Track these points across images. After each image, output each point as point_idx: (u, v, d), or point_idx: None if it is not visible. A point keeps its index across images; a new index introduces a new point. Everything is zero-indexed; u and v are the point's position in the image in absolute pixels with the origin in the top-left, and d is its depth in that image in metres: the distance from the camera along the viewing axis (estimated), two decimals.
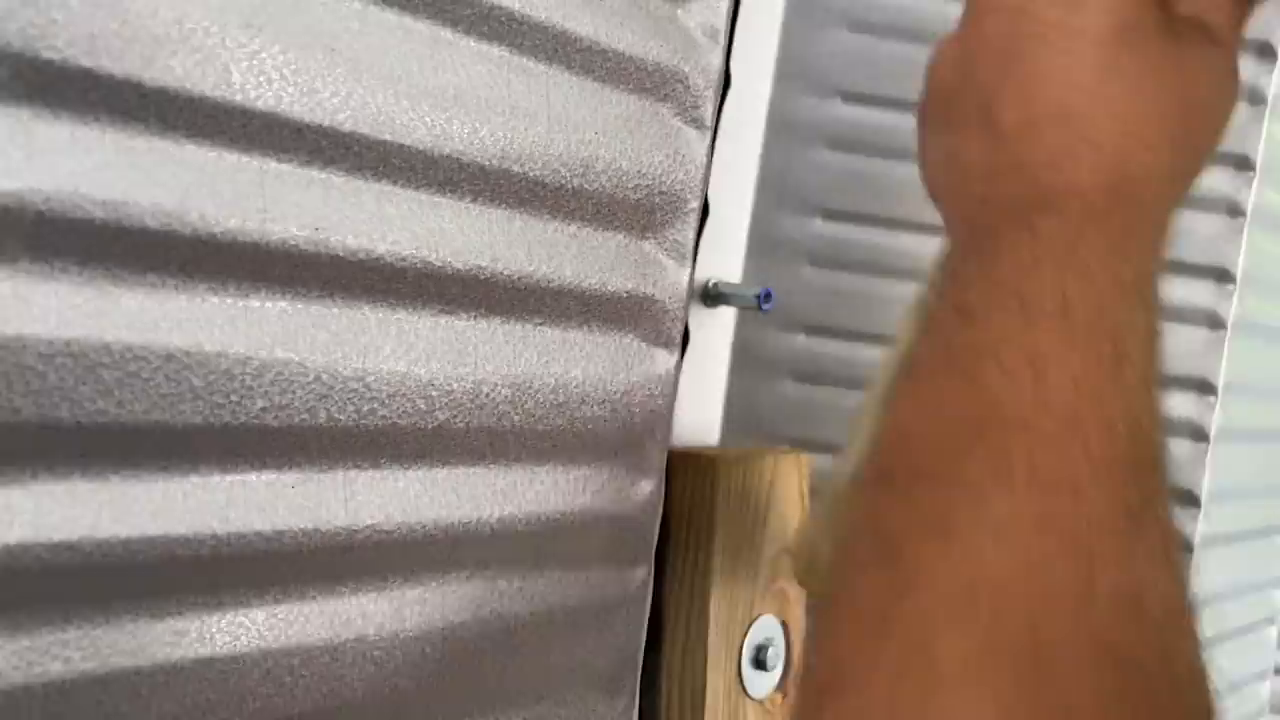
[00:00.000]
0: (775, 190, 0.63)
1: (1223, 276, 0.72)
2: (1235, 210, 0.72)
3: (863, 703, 0.26)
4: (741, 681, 0.56)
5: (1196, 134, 0.34)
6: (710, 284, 0.58)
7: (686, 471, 0.54)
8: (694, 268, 0.46)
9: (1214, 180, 0.71)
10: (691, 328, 0.51)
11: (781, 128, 0.63)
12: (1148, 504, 0.28)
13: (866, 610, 0.28)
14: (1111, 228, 0.31)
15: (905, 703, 0.25)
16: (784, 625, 0.57)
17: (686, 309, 0.46)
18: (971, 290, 0.31)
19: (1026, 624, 0.25)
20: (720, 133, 0.49)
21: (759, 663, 0.56)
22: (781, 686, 0.57)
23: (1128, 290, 0.31)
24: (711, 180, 0.48)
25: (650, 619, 0.49)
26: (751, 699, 0.56)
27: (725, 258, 0.60)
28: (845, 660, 0.27)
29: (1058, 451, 0.27)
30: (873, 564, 0.28)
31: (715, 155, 0.48)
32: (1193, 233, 0.71)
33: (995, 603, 0.26)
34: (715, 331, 0.60)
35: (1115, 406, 0.28)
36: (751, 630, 0.56)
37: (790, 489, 0.57)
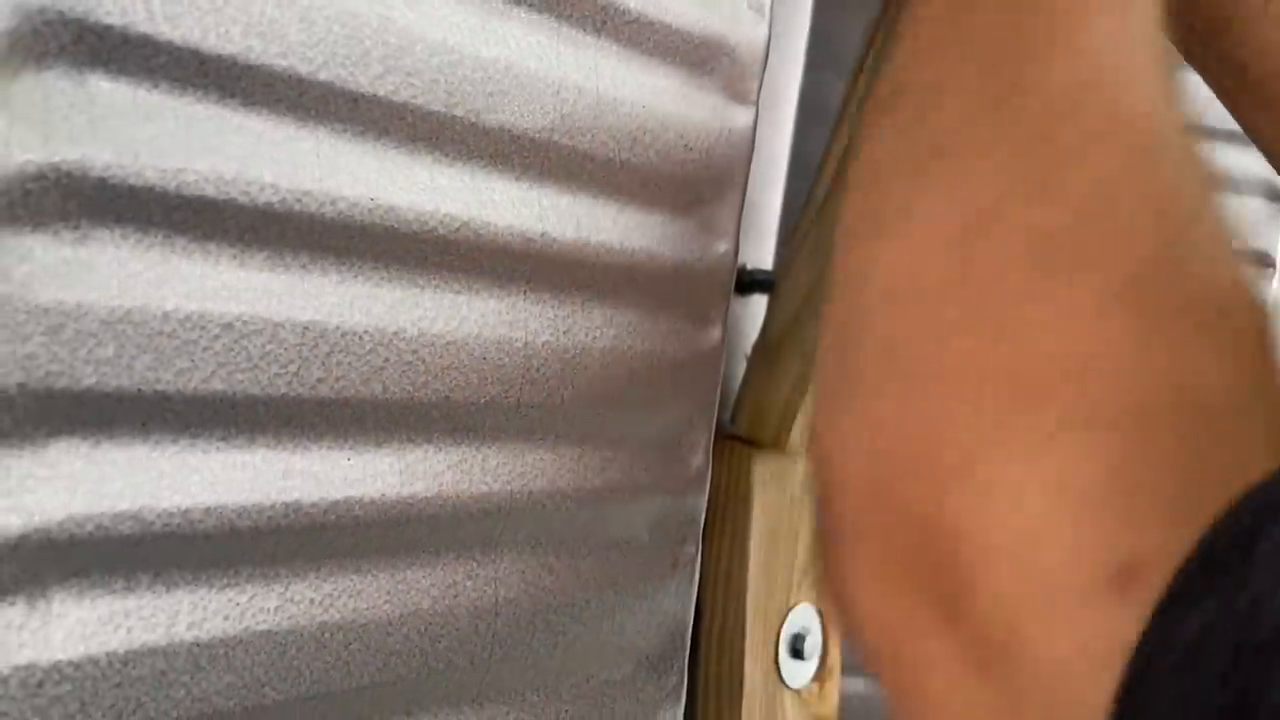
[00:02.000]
0: (807, 176, 0.63)
1: (1262, 261, 0.71)
2: (1274, 194, 0.71)
3: (986, 166, 0.27)
4: (779, 671, 0.55)
5: None
6: (743, 270, 0.58)
7: (723, 458, 0.53)
8: (737, 247, 0.45)
9: (1251, 162, 0.70)
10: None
11: (814, 113, 0.62)
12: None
13: (967, 112, 0.28)
14: None
15: (1031, 171, 0.26)
16: (821, 614, 0.57)
17: (730, 288, 0.45)
18: None
19: (1130, 118, 0.27)
20: None
21: (796, 652, 0.56)
22: (818, 676, 0.57)
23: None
24: None
25: None
26: (789, 688, 0.56)
27: (758, 244, 0.60)
28: (954, 133, 0.28)
29: (1095, 33, 0.29)
30: (963, 89, 0.29)
31: None
32: (1231, 216, 0.70)
33: (1101, 102, 0.28)
34: (746, 319, 0.59)
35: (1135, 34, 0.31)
36: (789, 619, 0.55)
37: None
